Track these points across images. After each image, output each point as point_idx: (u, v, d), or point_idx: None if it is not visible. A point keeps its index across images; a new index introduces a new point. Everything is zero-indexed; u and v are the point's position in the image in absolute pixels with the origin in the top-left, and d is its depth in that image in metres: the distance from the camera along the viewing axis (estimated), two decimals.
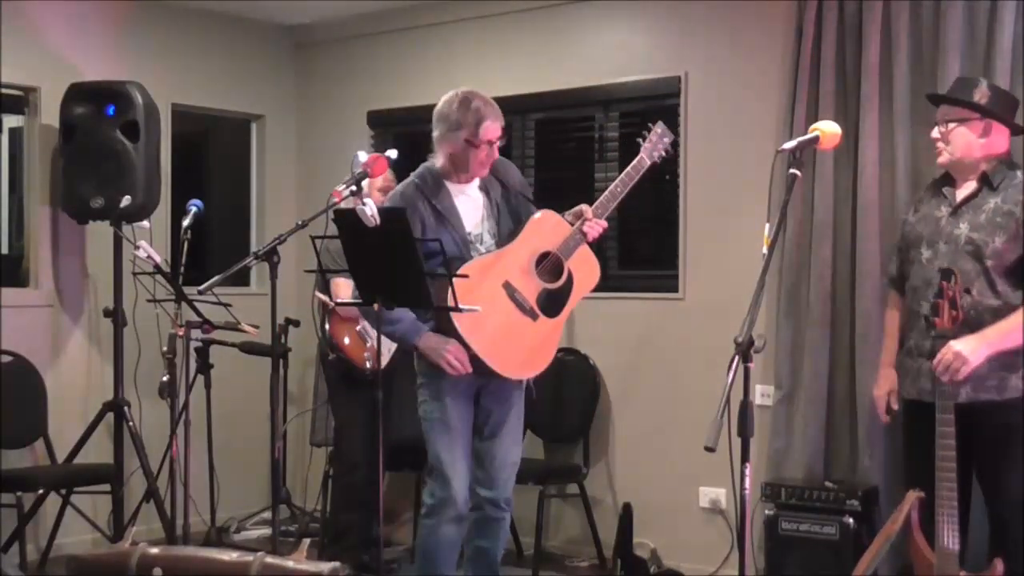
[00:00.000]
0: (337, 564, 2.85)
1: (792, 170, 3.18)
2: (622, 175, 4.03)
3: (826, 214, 4.78)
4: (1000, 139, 3.87)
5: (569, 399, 5.55)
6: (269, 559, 2.86)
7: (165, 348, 4.61)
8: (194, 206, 4.61)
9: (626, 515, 4.95)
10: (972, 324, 3.65)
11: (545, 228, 3.94)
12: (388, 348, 4.74)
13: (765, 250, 3.09)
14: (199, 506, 5.37)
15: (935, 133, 3.93)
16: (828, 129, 3.31)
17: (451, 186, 3.95)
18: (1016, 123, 3.93)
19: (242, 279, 5.99)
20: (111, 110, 5.37)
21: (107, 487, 5.37)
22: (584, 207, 3.97)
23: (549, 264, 3.93)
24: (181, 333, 4.51)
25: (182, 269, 4.62)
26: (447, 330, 3.81)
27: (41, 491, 5.31)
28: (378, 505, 3.85)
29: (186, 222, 4.57)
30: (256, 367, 5.38)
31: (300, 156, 6.79)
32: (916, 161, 4.57)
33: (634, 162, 4.05)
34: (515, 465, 4.07)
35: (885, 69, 4.65)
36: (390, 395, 4.40)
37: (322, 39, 6.67)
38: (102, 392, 5.57)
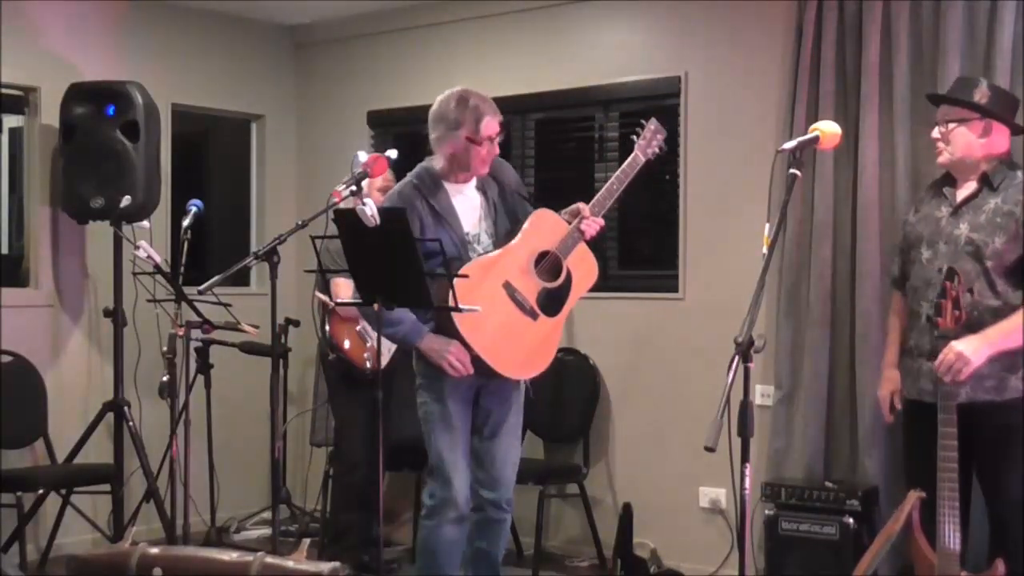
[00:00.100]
0: (337, 564, 2.85)
1: (792, 170, 3.18)
2: (617, 172, 4.04)
3: (826, 214, 4.78)
4: (1000, 139, 3.86)
5: (569, 399, 5.55)
6: (269, 559, 2.86)
7: (165, 348, 4.61)
8: (194, 206, 4.61)
9: (626, 515, 4.95)
10: (972, 324, 3.64)
11: (543, 227, 3.94)
12: (388, 348, 4.74)
13: (765, 250, 3.09)
14: (199, 506, 5.38)
15: (935, 133, 3.93)
16: (828, 129, 3.31)
17: (449, 186, 3.95)
18: (1016, 123, 3.93)
19: (242, 279, 5.99)
20: (111, 110, 5.38)
21: (107, 487, 5.37)
22: (581, 205, 3.97)
23: (548, 263, 3.93)
24: (181, 333, 4.51)
25: (182, 269, 4.62)
26: (448, 330, 3.80)
27: (41, 491, 5.31)
28: (378, 505, 3.84)
29: (186, 222, 4.57)
30: (256, 367, 5.38)
31: (300, 156, 6.79)
32: (916, 161, 4.57)
33: (629, 159, 4.06)
34: (515, 465, 4.07)
35: (885, 69, 4.65)
36: (390, 395, 4.40)
37: (322, 39, 6.67)
38: (102, 392, 5.57)
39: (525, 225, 3.93)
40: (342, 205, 3.72)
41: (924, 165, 4.50)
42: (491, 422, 3.99)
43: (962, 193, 3.88)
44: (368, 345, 5.01)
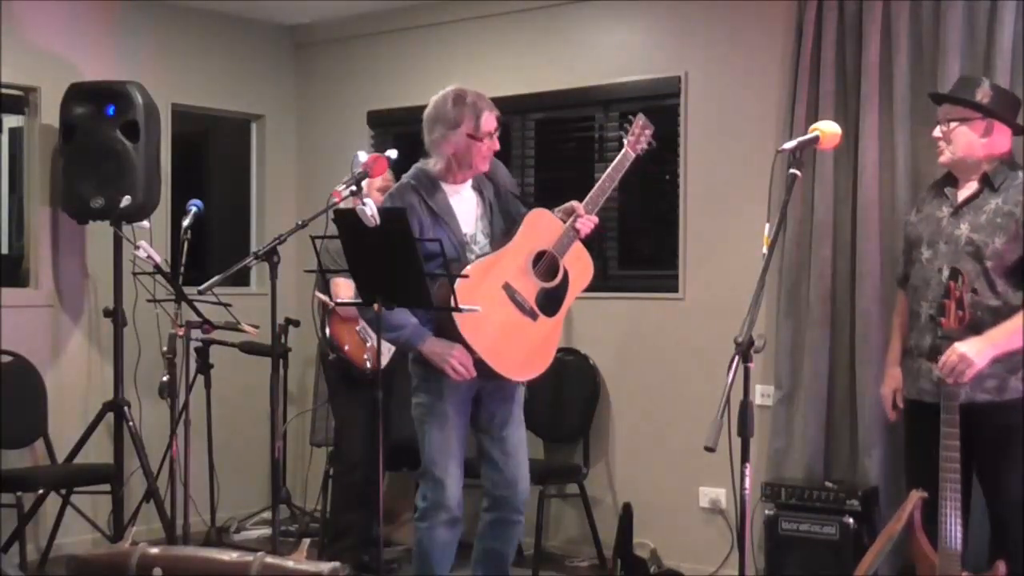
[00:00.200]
0: (337, 564, 2.86)
1: (792, 170, 3.18)
2: (609, 170, 4.07)
3: (826, 214, 4.78)
4: (1002, 139, 3.86)
5: (569, 399, 5.55)
6: (269, 559, 2.86)
7: (165, 348, 4.61)
8: (194, 206, 4.61)
9: (626, 515, 4.94)
10: (972, 324, 3.64)
11: (539, 227, 3.95)
12: (388, 348, 4.74)
13: (765, 250, 3.09)
14: (199, 506, 5.38)
15: (937, 132, 3.92)
16: (828, 129, 3.31)
17: (446, 187, 3.95)
18: (1018, 123, 3.92)
19: (242, 279, 6.00)
20: (111, 110, 5.37)
21: (107, 487, 5.37)
22: (575, 204, 3.99)
23: (545, 263, 3.94)
24: (181, 333, 4.51)
25: (182, 269, 4.62)
26: (449, 332, 3.80)
27: (41, 491, 5.30)
28: (378, 505, 3.84)
29: (186, 222, 4.57)
30: (256, 367, 5.38)
31: (300, 156, 6.79)
32: (916, 161, 4.57)
33: (619, 156, 4.09)
34: (527, 456, 4.06)
35: (885, 69, 4.65)
36: (390, 395, 4.40)
37: (322, 39, 6.66)
38: (102, 392, 5.57)
39: (521, 226, 3.94)
40: (342, 205, 3.72)
41: (924, 165, 4.50)
42: (497, 419, 3.98)
43: (963, 193, 3.88)
44: (368, 345, 5.01)
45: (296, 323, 6.09)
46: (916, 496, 3.62)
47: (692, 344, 5.27)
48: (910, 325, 3.97)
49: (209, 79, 6.38)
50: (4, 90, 5.62)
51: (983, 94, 3.85)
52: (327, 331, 5.06)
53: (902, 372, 4.01)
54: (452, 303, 3.62)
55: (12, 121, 5.93)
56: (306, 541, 3.06)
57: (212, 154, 7.15)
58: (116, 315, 5.45)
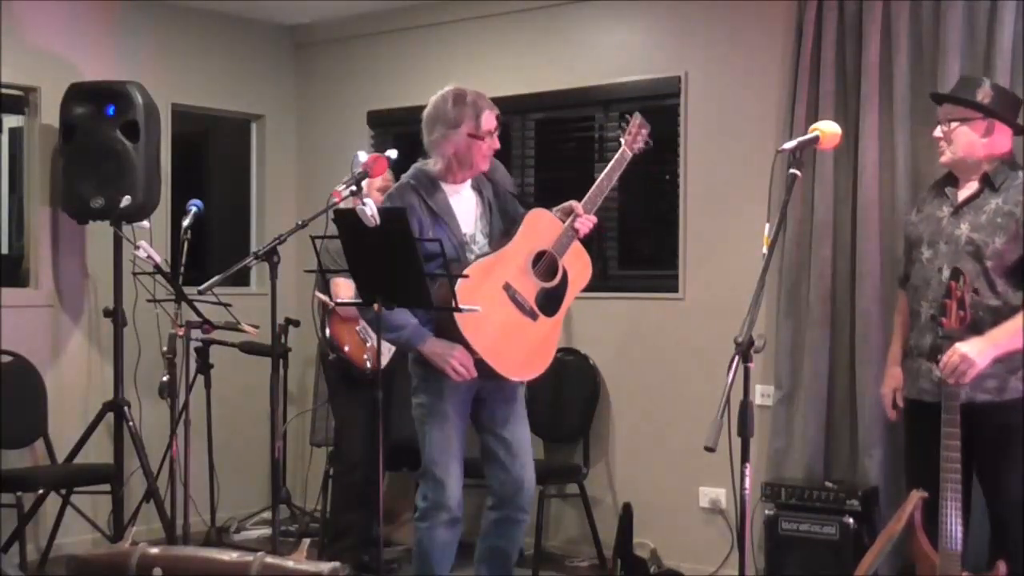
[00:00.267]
0: (337, 564, 2.86)
1: (792, 170, 3.18)
2: (607, 169, 4.09)
3: (826, 214, 4.78)
4: (1002, 139, 3.86)
5: (569, 399, 5.55)
6: (269, 559, 2.86)
7: (165, 348, 4.61)
8: (194, 206, 4.61)
9: (626, 515, 4.94)
10: (972, 324, 3.64)
11: (539, 227, 3.95)
12: (388, 348, 4.74)
13: (765, 250, 3.09)
14: (199, 506, 5.38)
15: (937, 132, 3.92)
16: (828, 129, 3.31)
17: (446, 187, 3.95)
18: (1019, 123, 3.92)
19: (242, 279, 6.00)
20: (111, 110, 5.37)
21: (107, 487, 5.36)
22: (573, 203, 3.99)
23: (545, 263, 3.94)
24: (181, 333, 4.51)
25: (182, 269, 4.62)
26: (449, 333, 3.80)
27: (41, 491, 5.30)
28: (378, 505, 3.84)
29: (186, 222, 4.57)
30: (256, 367, 5.38)
31: (300, 156, 6.79)
32: (916, 161, 4.57)
33: (617, 155, 4.11)
34: (531, 455, 4.06)
35: (885, 69, 4.65)
36: (390, 395, 4.40)
37: (322, 39, 6.66)
38: (102, 392, 5.57)
39: (521, 226, 3.94)
40: (342, 205, 3.72)
41: (924, 165, 4.50)
42: (499, 419, 3.99)
43: (963, 193, 3.88)
44: (368, 345, 5.01)
45: (296, 323, 6.09)
46: (916, 496, 3.62)
47: (692, 344, 5.27)
48: (910, 325, 3.97)
49: (209, 79, 6.38)
50: (4, 90, 5.62)
51: (984, 94, 3.84)
52: (327, 331, 5.06)
53: (903, 372, 4.01)
54: (453, 303, 3.62)
55: (12, 121, 5.93)
56: (306, 541, 3.06)
57: (212, 154, 7.15)
58: (116, 315, 5.45)
